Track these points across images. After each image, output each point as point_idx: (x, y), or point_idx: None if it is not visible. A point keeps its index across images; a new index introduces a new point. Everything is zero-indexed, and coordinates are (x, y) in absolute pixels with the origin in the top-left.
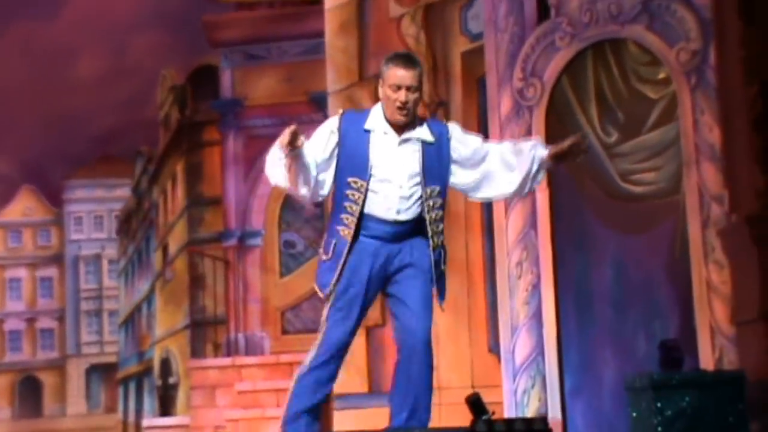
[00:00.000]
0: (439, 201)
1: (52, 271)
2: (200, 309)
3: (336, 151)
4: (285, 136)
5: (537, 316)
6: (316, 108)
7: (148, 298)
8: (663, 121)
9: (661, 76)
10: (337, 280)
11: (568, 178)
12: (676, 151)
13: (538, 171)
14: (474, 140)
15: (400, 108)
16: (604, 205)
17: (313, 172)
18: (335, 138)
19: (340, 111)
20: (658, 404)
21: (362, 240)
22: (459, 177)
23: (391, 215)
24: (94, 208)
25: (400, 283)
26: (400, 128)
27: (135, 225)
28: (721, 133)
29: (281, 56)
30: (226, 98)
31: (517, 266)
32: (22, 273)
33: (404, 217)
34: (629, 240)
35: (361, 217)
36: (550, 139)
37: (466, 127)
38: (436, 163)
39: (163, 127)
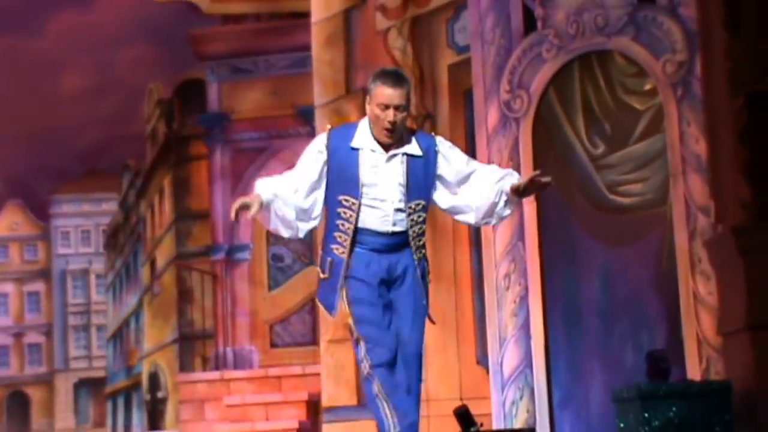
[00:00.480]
0: (423, 215)
1: (39, 286)
2: (188, 323)
3: (325, 169)
4: (232, 212)
5: (525, 328)
6: (303, 121)
7: (136, 313)
8: (649, 132)
9: (648, 87)
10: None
11: (556, 190)
12: (662, 162)
13: (505, 204)
14: (458, 160)
15: (387, 128)
16: (591, 217)
17: (292, 215)
18: (323, 157)
19: (328, 127)
20: (646, 415)
21: (358, 252)
22: (438, 194)
23: (387, 227)
24: (81, 222)
25: (395, 292)
26: (387, 144)
27: (122, 239)
28: (707, 145)
29: (268, 70)
30: (213, 112)
31: (504, 278)
32: (8, 288)
33: (399, 228)
34: (617, 251)
35: (356, 233)
36: (537, 151)
37: (454, 140)
38: (421, 178)
39: (149, 142)
